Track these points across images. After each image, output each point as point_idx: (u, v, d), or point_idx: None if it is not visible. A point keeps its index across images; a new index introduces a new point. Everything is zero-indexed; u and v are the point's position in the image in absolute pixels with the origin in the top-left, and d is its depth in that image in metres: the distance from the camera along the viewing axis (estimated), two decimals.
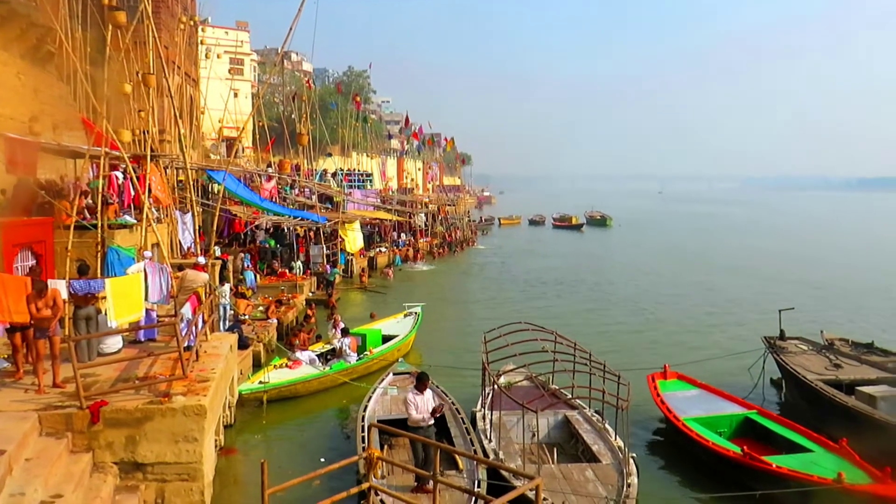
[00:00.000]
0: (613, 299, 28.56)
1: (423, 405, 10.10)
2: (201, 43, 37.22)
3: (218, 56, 43.44)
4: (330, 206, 36.52)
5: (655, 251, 48.62)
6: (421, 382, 10.28)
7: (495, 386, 11.67)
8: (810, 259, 43.54)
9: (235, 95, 37.57)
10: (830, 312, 25.14)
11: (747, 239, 59.09)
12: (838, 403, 12.19)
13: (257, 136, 38.29)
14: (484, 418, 11.84)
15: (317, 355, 16.53)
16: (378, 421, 11.32)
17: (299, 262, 28.27)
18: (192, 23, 33.17)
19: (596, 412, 12.07)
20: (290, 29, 12.98)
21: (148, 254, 13.01)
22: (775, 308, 17.26)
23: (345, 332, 17.08)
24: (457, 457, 10.11)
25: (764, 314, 23.15)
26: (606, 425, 11.56)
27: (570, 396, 12.61)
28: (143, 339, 12.38)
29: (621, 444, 10.74)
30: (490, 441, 11.01)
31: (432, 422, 10.07)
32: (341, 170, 48.78)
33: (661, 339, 21.09)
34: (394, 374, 14.84)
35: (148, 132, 17.16)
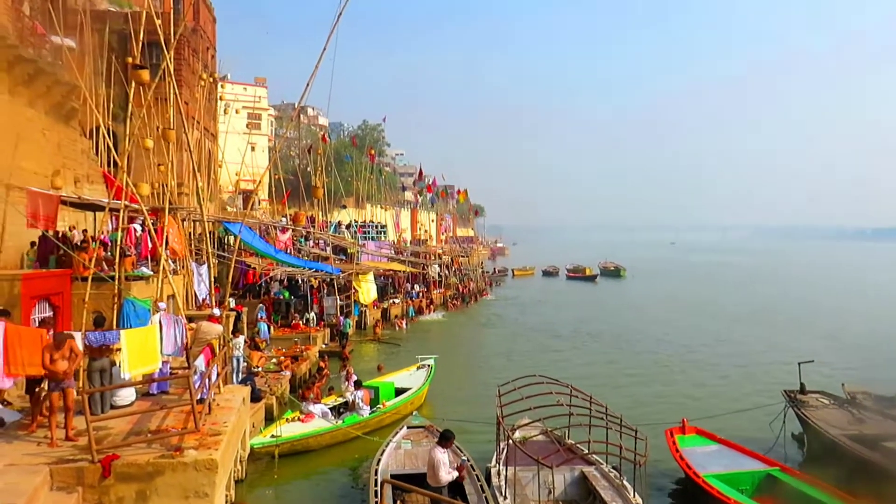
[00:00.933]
0: (629, 351, 28.32)
1: (451, 464, 10.04)
2: (220, 99, 38.06)
3: (236, 111, 44.35)
4: (344, 258, 36.78)
5: (670, 302, 48.39)
6: (447, 440, 10.23)
7: (510, 441, 11.49)
8: (827, 308, 43.13)
9: (252, 149, 37.85)
10: (849, 363, 24.73)
11: (762, 288, 58.69)
12: (863, 459, 11.90)
13: (273, 189, 38.80)
14: (499, 474, 11.61)
15: (329, 408, 16.42)
16: (391, 476, 11.15)
17: (313, 314, 28.24)
18: (211, 80, 34.05)
19: (613, 468, 11.82)
20: (307, 84, 13.33)
21: (163, 305, 13.03)
22: (793, 359, 17.03)
23: (358, 385, 16.99)
24: None
25: (782, 366, 22.86)
26: (624, 482, 11.28)
27: (586, 452, 12.40)
28: (155, 392, 12.32)
29: (640, 501, 10.52)
30: (505, 498, 10.77)
31: (445, 482, 9.89)
32: (355, 221, 49.22)
33: (678, 393, 20.82)
34: (408, 427, 14.65)
35: (167, 185, 17.40)
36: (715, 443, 13.73)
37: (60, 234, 15.93)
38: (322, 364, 22.31)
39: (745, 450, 13.23)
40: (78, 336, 10.81)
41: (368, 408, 16.59)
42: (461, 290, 49.45)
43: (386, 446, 13.40)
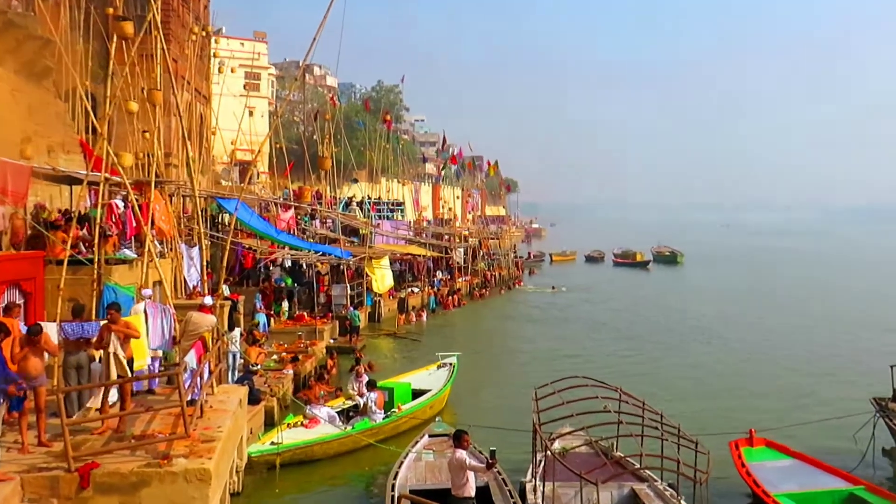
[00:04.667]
0: (689, 350, 28.21)
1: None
2: (214, 56, 38.17)
3: (232, 70, 44.43)
4: (355, 240, 36.98)
5: (732, 292, 47.94)
6: (461, 440, 10.44)
7: (548, 452, 11.49)
8: None
9: (251, 114, 38.05)
10: None
11: (842, 279, 57.63)
12: None
13: (274, 160, 38.86)
14: (535, 490, 11.62)
15: (337, 412, 16.47)
16: (410, 491, 11.20)
17: (320, 304, 28.37)
18: (204, 34, 34.05)
19: (669, 485, 11.76)
20: (314, 38, 13.15)
21: (147, 292, 13.11)
22: (884, 363, 16.69)
23: (370, 386, 17.05)
24: None
25: (868, 370, 22.54)
26: (682, 502, 11.20)
27: (637, 466, 12.35)
28: (140, 391, 12.35)
29: None
30: None
31: (473, 492, 9.89)
32: (369, 198, 48.86)
33: (746, 399, 20.69)
34: (429, 435, 14.75)
35: (152, 155, 17.45)
36: (788, 457, 13.63)
37: (33, 210, 16.03)
38: (329, 362, 22.70)
39: (824, 465, 13.12)
40: (53, 327, 10.88)
41: (382, 412, 16.67)
42: (490, 277, 49.45)
43: (404, 457, 13.49)
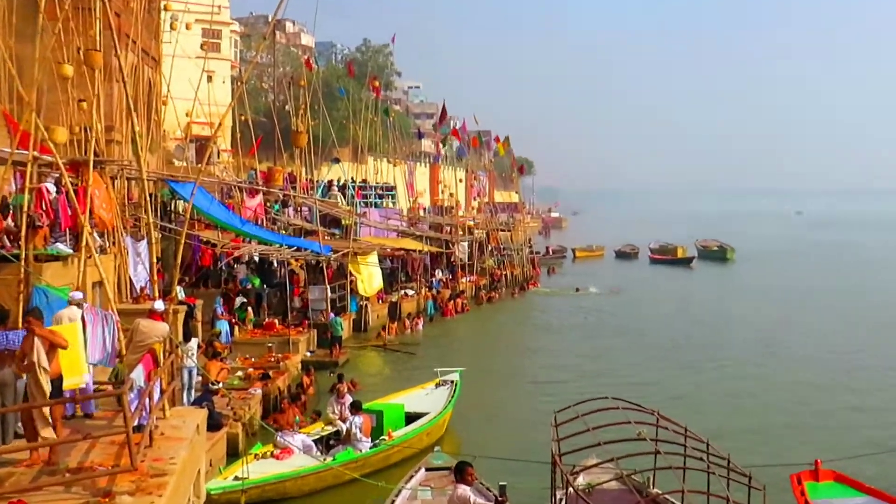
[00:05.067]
0: (741, 366, 28.27)
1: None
2: (165, 9, 37.87)
3: (187, 27, 43.93)
4: (337, 232, 37.06)
5: (794, 297, 48.07)
6: (463, 473, 10.57)
7: (570, 489, 11.49)
8: None
9: (210, 80, 37.53)
10: None
11: None
12: None
13: (238, 136, 38.77)
14: None
15: (315, 440, 16.52)
16: None
17: (294, 310, 28.43)
18: None
19: None
20: None
21: (77, 295, 12.84)
22: None
23: (354, 408, 17.11)
24: None
25: None
26: None
27: None
28: (75, 415, 12.34)
29: None
30: None
31: None
32: (353, 181, 49.15)
33: (808, 425, 20.80)
34: (427, 469, 14.71)
35: (91, 130, 17.34)
36: (861, 493, 13.59)
37: None
38: (306, 379, 22.81)
39: None
40: None
41: (369, 440, 16.73)
42: (500, 277, 49.53)
43: (396, 495, 13.48)
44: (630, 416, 13.08)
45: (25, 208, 14.18)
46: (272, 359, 23.77)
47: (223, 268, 29.49)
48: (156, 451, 10.96)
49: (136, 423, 10.65)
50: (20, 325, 12.48)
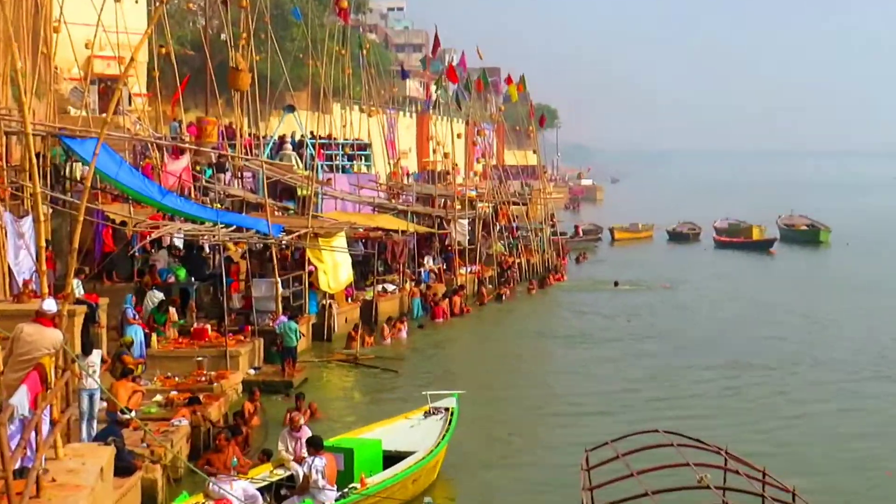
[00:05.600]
0: (841, 389, 28.13)
1: None
2: None
3: None
4: (291, 206, 37.38)
5: None
6: None
7: None
8: None
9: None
10: None
11: None
12: None
13: (157, 75, 38.83)
14: None
15: (261, 488, 16.69)
16: None
17: (233, 312, 28.57)
18: None
19: None
20: None
21: None
22: None
23: (314, 446, 16.89)
24: None
25: None
26: None
27: None
28: None
29: None
30: None
31: None
32: (313, 137, 48.69)
33: None
34: None
35: None
36: None
37: None
38: (249, 406, 22.52)
39: None
40: None
41: (334, 488, 16.56)
42: (512, 266, 49.66)
43: None
44: (687, 456, 13.56)
45: None
46: (203, 378, 23.79)
47: (136, 254, 29.19)
48: (46, 501, 11.12)
49: (17, 466, 10.81)
50: None
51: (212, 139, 37.37)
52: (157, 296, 27.64)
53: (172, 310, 27.75)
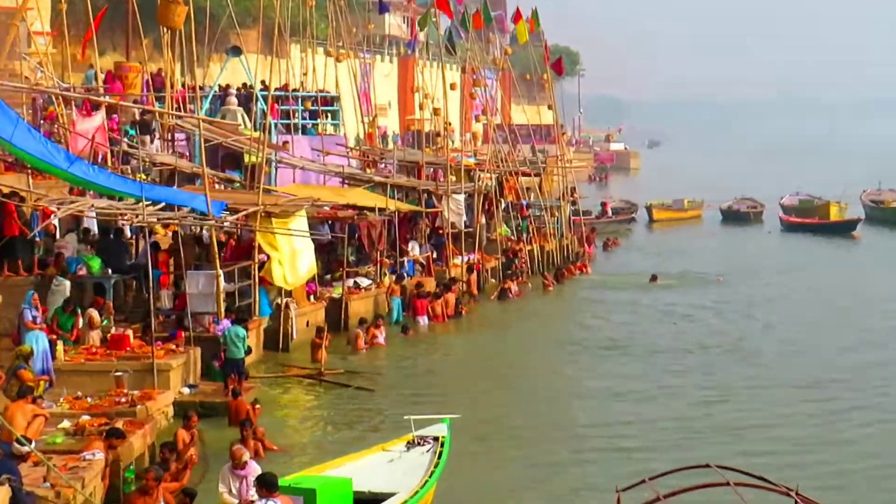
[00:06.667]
0: None
1: None
2: None
3: None
4: (237, 178, 37.67)
5: None
6: None
7: None
8: None
9: None
10: None
11: None
12: None
13: (63, 7, 38.61)
14: None
15: None
16: None
17: (161, 313, 27.91)
18: None
19: None
20: None
21: None
22: None
23: (265, 486, 16.63)
24: None
25: None
26: None
27: None
28: None
29: None
30: None
31: None
32: (265, 88, 48.59)
33: None
34: None
35: None
36: None
37: None
38: (183, 434, 22.31)
39: None
40: None
41: None
42: (521, 254, 49.65)
43: None
44: (748, 497, 13.26)
45: None
46: (124, 398, 23.38)
47: (37, 238, 29.03)
48: None
49: None
50: None
51: (134, 90, 37.59)
52: (62, 286, 27.11)
53: (92, 311, 27.10)
